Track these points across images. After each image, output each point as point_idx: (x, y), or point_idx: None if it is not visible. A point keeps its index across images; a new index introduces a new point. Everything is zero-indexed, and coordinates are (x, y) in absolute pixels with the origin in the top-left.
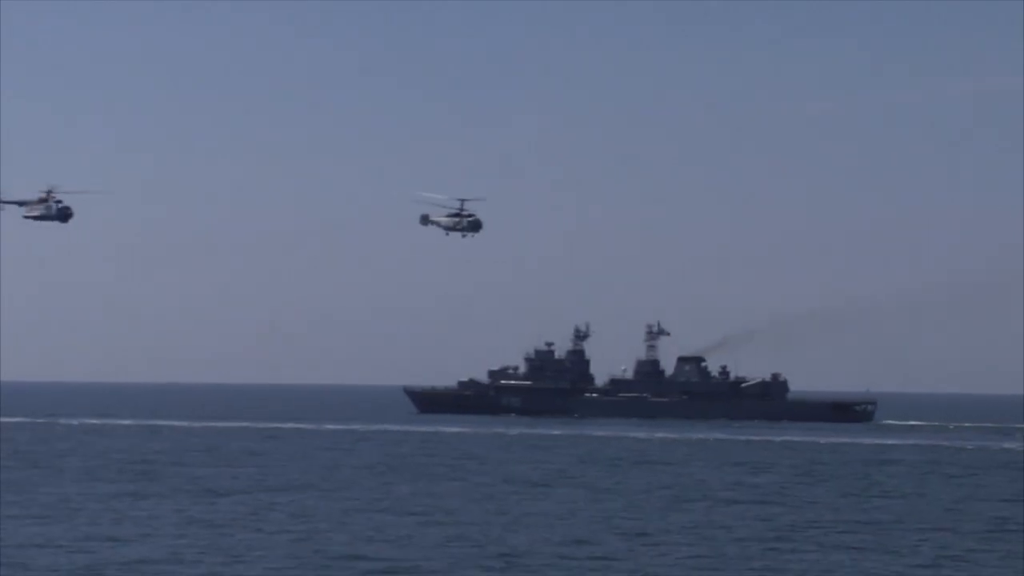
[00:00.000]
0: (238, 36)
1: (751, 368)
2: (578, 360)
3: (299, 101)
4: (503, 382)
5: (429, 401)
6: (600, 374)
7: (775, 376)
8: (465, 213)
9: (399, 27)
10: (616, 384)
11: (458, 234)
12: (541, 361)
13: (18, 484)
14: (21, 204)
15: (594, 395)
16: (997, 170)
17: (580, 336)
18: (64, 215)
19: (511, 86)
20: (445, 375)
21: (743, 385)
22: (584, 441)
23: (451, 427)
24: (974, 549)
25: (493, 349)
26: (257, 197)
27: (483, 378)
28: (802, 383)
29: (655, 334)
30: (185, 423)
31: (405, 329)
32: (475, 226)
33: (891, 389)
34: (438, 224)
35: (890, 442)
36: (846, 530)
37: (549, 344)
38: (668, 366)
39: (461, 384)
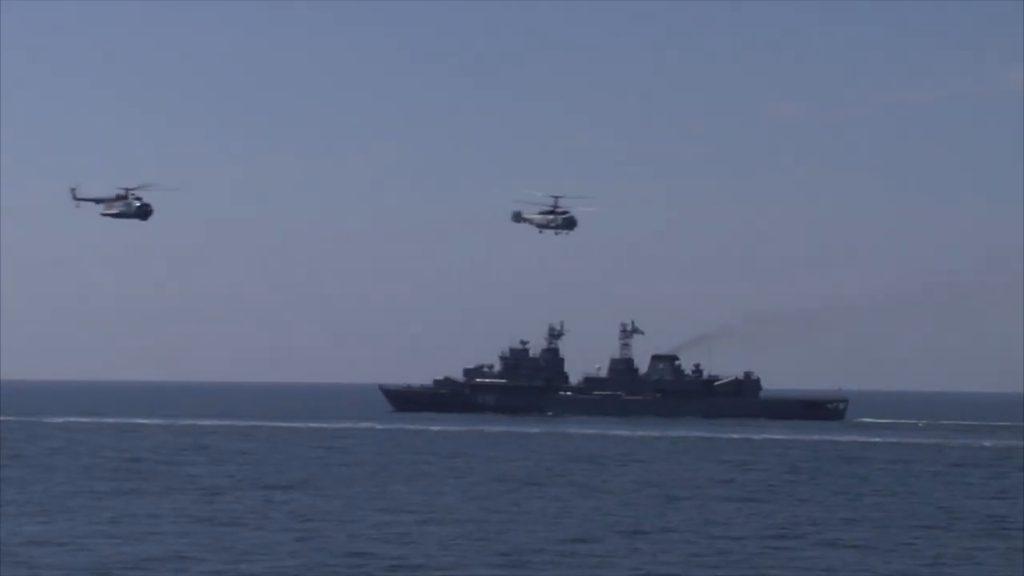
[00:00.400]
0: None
1: (725, 367)
2: (552, 359)
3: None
4: (478, 380)
5: (405, 399)
6: (575, 373)
7: (747, 374)
8: (559, 210)
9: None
10: (590, 382)
11: (551, 231)
12: (516, 360)
13: (16, 482)
14: (98, 202)
15: (568, 393)
16: (982, 172)
17: (555, 335)
18: (144, 213)
19: (494, 85)
20: (420, 373)
21: (716, 383)
22: (565, 439)
23: (432, 425)
24: (976, 547)
25: (469, 348)
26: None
27: (458, 376)
28: (774, 381)
29: (629, 333)
30: (165, 421)
31: (380, 327)
32: (569, 223)
33: (862, 387)
34: (531, 222)
35: (873, 440)
36: (844, 527)
37: (524, 343)
38: (642, 365)
39: (436, 382)
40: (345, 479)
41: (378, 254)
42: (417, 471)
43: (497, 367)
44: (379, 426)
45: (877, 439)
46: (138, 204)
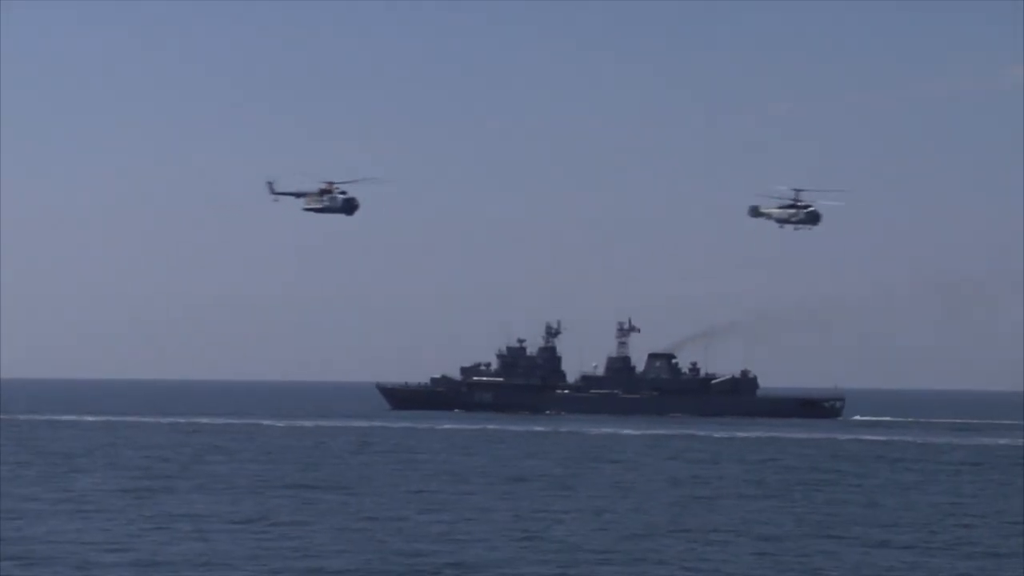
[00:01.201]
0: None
1: (723, 365)
2: (550, 357)
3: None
4: (475, 379)
5: (402, 398)
6: (572, 371)
7: (744, 373)
8: (800, 204)
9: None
10: (587, 381)
11: (791, 227)
12: (513, 358)
13: (44, 479)
14: (299, 196)
15: (565, 392)
16: (984, 169)
17: (552, 333)
18: (349, 207)
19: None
20: (417, 372)
21: (713, 382)
22: (575, 438)
23: (437, 423)
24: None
25: (466, 346)
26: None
27: (455, 375)
28: (770, 380)
29: (626, 331)
30: (170, 420)
31: (376, 326)
32: (813, 218)
33: (856, 386)
34: (769, 216)
35: (881, 438)
36: (889, 527)
37: (521, 341)
38: (639, 363)
39: (434, 380)
40: (369, 478)
41: (375, 251)
42: (440, 470)
43: (494, 365)
44: (388, 424)
45: (891, 437)
46: (343, 198)
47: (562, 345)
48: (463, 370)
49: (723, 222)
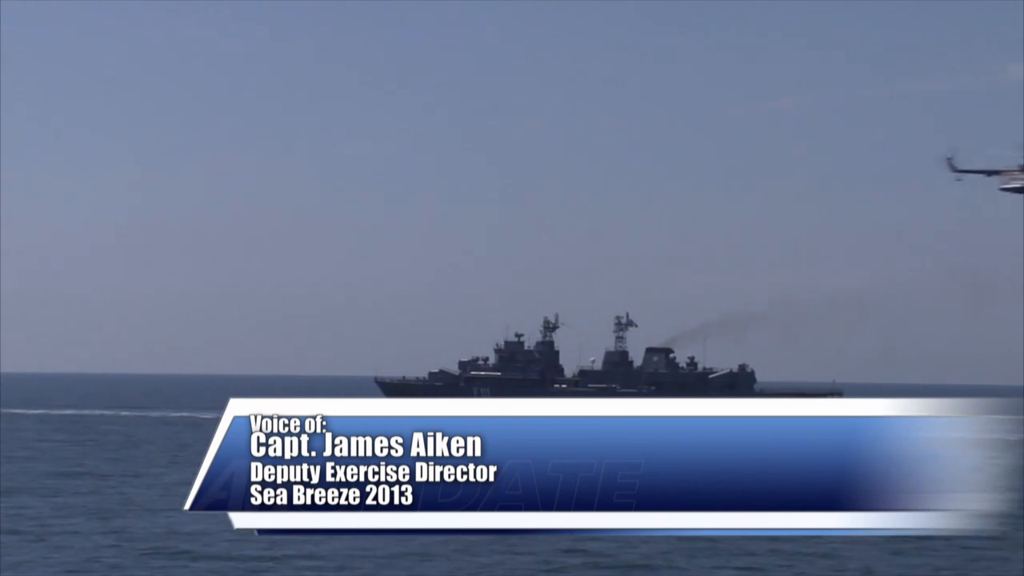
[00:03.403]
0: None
1: (721, 359)
2: (547, 351)
3: None
4: (473, 373)
5: (400, 392)
6: (570, 365)
7: (742, 367)
8: None
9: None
10: (585, 375)
11: None
12: (511, 352)
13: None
14: (991, 174)
15: (563, 386)
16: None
17: (549, 327)
18: None
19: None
20: (415, 366)
21: (711, 376)
22: None
23: None
24: None
25: (464, 340)
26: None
27: (453, 368)
28: (768, 374)
29: (623, 325)
30: (185, 414)
31: (374, 319)
32: None
33: (853, 381)
34: None
35: None
36: None
37: (519, 335)
38: (637, 357)
39: (432, 375)
40: None
41: (374, 247)
42: None
43: (492, 359)
44: None
45: None
46: None
47: (560, 339)
48: (461, 364)
49: (721, 219)
